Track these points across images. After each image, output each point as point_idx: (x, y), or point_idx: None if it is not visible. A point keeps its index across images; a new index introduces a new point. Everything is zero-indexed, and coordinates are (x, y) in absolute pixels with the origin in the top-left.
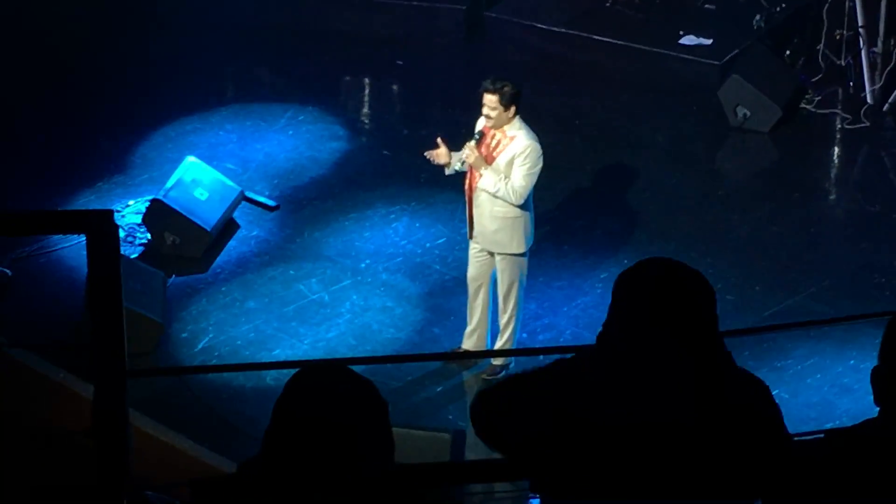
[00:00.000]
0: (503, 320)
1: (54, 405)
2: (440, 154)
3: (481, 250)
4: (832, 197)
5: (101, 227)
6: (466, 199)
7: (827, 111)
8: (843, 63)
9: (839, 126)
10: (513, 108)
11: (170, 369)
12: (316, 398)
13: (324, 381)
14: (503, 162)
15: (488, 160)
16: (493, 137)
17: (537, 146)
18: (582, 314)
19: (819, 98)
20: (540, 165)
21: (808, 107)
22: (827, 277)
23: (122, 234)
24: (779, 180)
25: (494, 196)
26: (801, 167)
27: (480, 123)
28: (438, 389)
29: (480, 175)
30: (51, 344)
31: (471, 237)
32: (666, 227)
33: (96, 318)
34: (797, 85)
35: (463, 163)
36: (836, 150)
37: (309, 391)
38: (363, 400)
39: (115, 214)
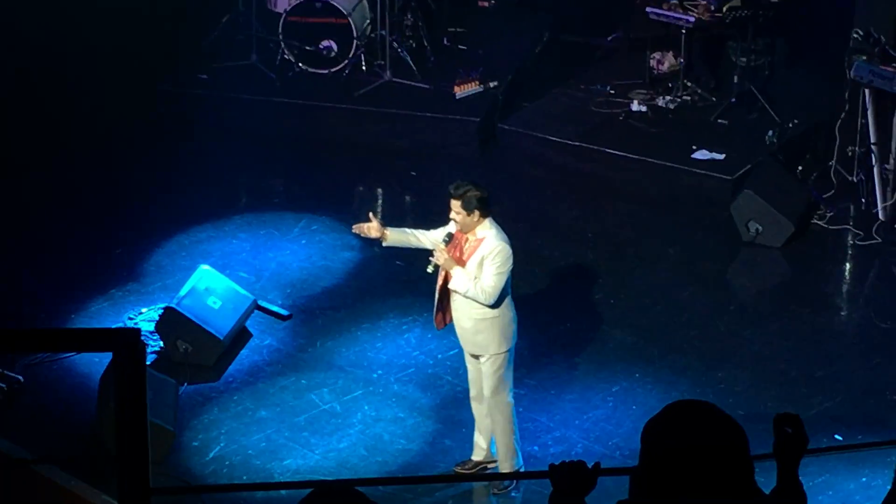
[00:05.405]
0: (497, 430)
1: None
2: (371, 227)
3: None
4: (843, 313)
5: (129, 346)
6: (436, 298)
7: (839, 227)
8: (854, 179)
9: (851, 242)
10: (477, 213)
11: (194, 487)
12: None
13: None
14: (474, 263)
15: (460, 263)
16: (465, 241)
17: (507, 247)
18: (593, 427)
19: (831, 214)
20: (510, 265)
21: (819, 223)
22: (838, 394)
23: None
24: (790, 295)
25: (465, 296)
26: (813, 283)
27: (452, 226)
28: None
29: (451, 276)
30: (72, 458)
31: (438, 327)
32: (678, 341)
33: (121, 436)
34: (809, 201)
35: (435, 267)
36: (848, 265)
37: None
38: None
39: (128, 322)
